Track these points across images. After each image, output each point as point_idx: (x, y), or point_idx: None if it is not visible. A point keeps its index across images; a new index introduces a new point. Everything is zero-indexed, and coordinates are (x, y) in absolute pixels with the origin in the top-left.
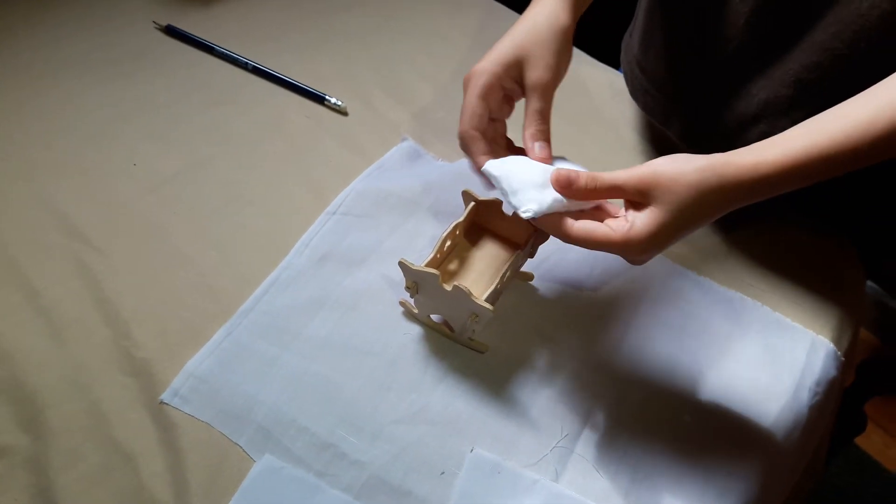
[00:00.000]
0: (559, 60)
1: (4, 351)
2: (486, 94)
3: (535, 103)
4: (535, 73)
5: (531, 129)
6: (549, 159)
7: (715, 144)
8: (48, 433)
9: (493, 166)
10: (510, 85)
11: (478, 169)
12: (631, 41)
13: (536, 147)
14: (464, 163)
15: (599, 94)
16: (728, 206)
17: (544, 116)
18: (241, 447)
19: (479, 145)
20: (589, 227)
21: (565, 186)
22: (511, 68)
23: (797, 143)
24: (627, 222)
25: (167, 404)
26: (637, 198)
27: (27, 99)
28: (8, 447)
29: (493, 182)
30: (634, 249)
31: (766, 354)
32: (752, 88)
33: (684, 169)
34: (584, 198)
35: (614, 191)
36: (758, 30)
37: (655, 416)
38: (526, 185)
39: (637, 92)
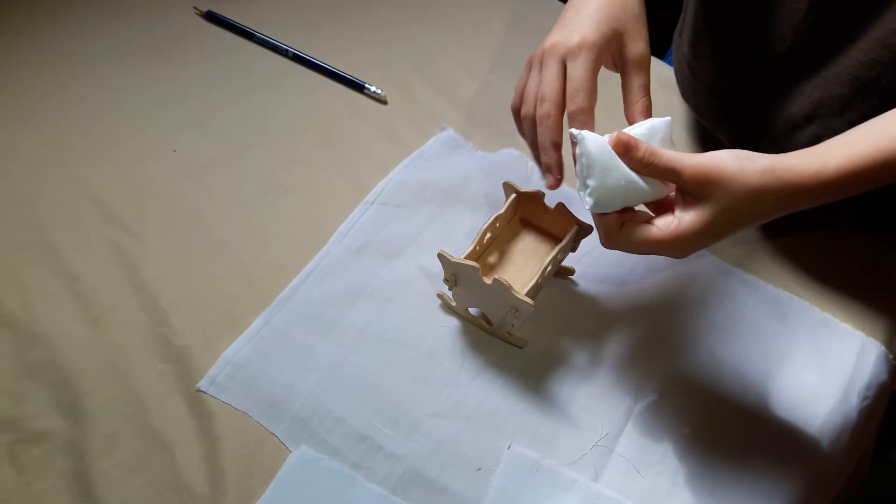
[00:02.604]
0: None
1: (43, 335)
2: (597, 69)
3: (641, 78)
4: (638, 47)
5: (639, 105)
6: None
7: (763, 149)
8: (86, 419)
9: (591, 139)
10: (607, 59)
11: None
12: (681, 41)
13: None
14: (504, 153)
15: None
16: (783, 211)
17: (648, 91)
18: (277, 437)
19: (592, 124)
20: (641, 230)
21: (623, 152)
22: (611, 41)
23: (862, 148)
24: (675, 218)
25: (204, 392)
26: (692, 188)
27: (66, 84)
28: (46, 431)
29: (580, 157)
30: (680, 247)
31: (814, 356)
32: (806, 88)
33: (747, 169)
34: (636, 169)
35: (670, 173)
36: (815, 27)
37: (698, 417)
38: (606, 172)
39: (687, 92)
